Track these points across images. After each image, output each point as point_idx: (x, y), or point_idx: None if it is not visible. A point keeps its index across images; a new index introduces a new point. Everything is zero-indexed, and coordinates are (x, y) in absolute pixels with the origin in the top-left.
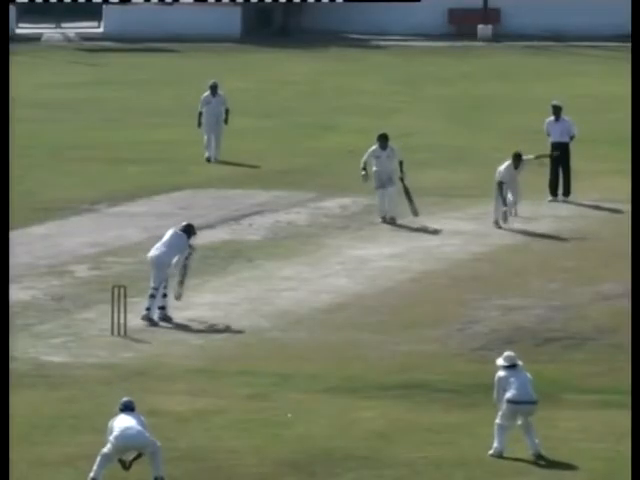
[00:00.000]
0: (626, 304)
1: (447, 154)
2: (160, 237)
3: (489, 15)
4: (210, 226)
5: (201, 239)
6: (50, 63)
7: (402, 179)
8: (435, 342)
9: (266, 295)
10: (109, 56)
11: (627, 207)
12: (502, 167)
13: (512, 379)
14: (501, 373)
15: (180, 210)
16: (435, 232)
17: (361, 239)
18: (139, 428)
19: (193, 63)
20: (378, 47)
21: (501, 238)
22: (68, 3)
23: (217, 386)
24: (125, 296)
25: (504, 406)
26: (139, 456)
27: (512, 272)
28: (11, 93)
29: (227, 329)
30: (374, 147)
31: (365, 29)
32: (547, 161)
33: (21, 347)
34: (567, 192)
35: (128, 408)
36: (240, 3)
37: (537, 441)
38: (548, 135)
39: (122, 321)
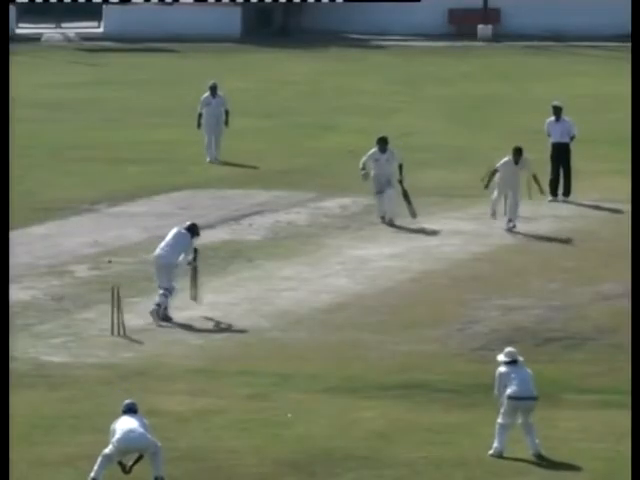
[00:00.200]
0: (626, 304)
1: (447, 154)
2: (160, 237)
3: (489, 15)
4: (210, 226)
5: (201, 239)
6: (50, 63)
7: (401, 182)
8: (435, 342)
9: (266, 295)
10: (109, 56)
11: (627, 207)
12: (502, 161)
13: (513, 375)
14: (502, 369)
15: (180, 210)
16: (435, 232)
17: (361, 239)
18: (141, 430)
19: (193, 63)
20: (378, 47)
21: (501, 238)
22: (68, 3)
23: (217, 386)
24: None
25: (505, 402)
26: (140, 459)
27: (512, 272)
28: (11, 93)
29: (227, 329)
30: (373, 150)
31: (365, 29)
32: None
33: (21, 347)
34: (567, 192)
35: (131, 410)
36: (240, 3)
37: (537, 441)
38: (548, 135)
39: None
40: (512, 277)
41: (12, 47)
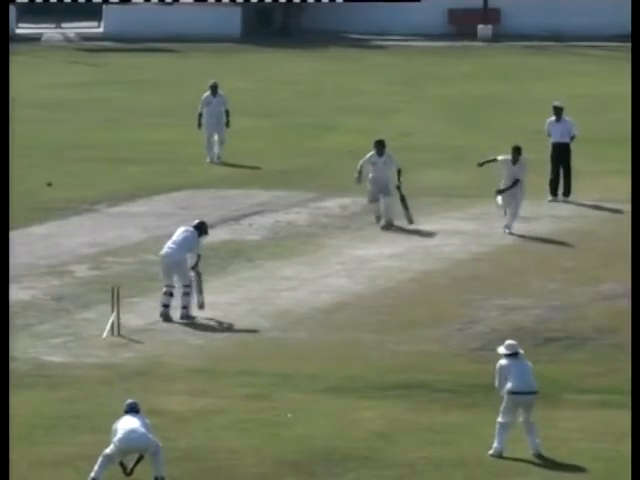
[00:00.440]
0: (626, 304)
1: (447, 154)
2: (160, 237)
3: (489, 15)
4: (210, 226)
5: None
6: (50, 63)
7: (399, 187)
8: (435, 342)
9: (266, 295)
10: (109, 56)
11: (627, 207)
12: (503, 156)
13: (513, 368)
14: (502, 362)
15: (180, 210)
16: (435, 232)
17: (361, 239)
18: (143, 431)
19: (193, 63)
20: (378, 47)
21: (501, 238)
22: (68, 3)
23: (217, 386)
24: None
25: (505, 398)
26: (140, 459)
27: (512, 272)
28: (11, 93)
29: (227, 329)
30: (371, 153)
31: (365, 29)
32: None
33: (21, 347)
34: (567, 192)
35: (133, 410)
36: (240, 3)
37: (538, 441)
38: (549, 135)
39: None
40: (512, 277)
41: (12, 47)
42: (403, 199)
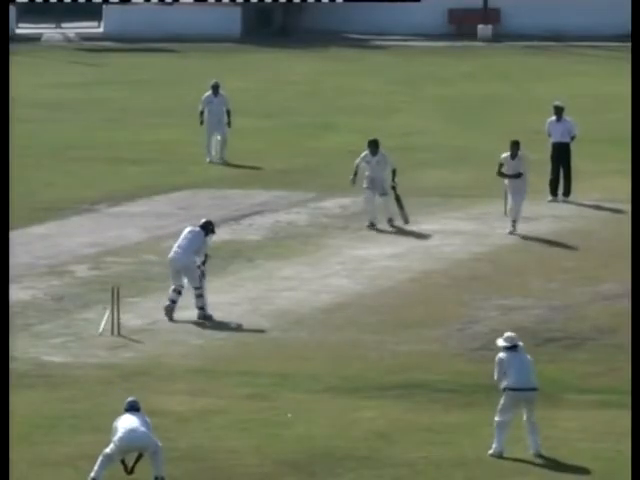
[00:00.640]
0: (626, 304)
1: (447, 154)
2: (160, 237)
3: (489, 15)
4: None
5: None
6: (50, 63)
7: (394, 187)
8: (435, 342)
9: (266, 295)
10: (109, 56)
11: (627, 207)
12: (503, 155)
13: (513, 363)
14: (502, 355)
15: (180, 210)
16: (435, 232)
17: (361, 239)
18: (143, 429)
19: (193, 63)
20: (378, 47)
21: (501, 238)
22: (68, 3)
23: (217, 386)
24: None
25: (503, 395)
26: (140, 458)
27: (512, 272)
28: (11, 93)
29: (227, 329)
30: (365, 152)
31: (365, 29)
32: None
33: (21, 347)
34: (567, 192)
35: (133, 408)
36: (240, 3)
37: (539, 441)
38: (549, 135)
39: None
40: (512, 277)
41: (12, 47)
42: (398, 199)
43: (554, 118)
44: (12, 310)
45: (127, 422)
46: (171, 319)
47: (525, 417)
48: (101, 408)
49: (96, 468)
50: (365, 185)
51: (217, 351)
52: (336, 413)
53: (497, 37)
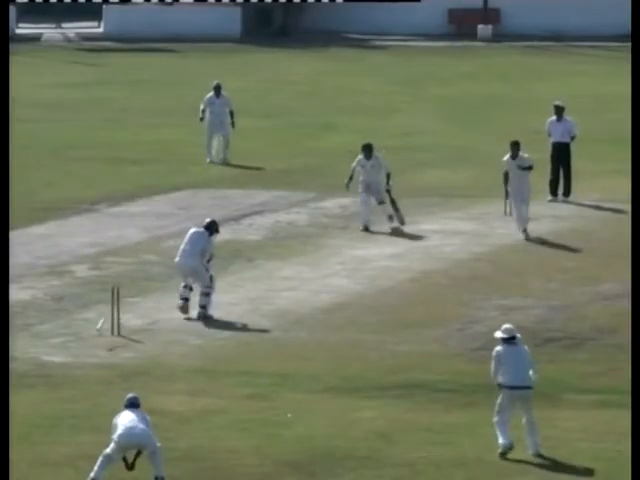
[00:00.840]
0: (626, 304)
1: (447, 154)
2: (160, 237)
3: (489, 15)
4: None
5: None
6: (50, 63)
7: (389, 191)
8: (435, 342)
9: (266, 295)
10: (109, 56)
11: (627, 207)
12: (504, 158)
13: (510, 357)
14: (499, 348)
15: (180, 210)
16: (435, 232)
17: (361, 239)
18: (142, 427)
19: (193, 63)
20: (378, 47)
21: (501, 238)
22: (68, 3)
23: (217, 386)
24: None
25: (500, 394)
26: (139, 454)
27: (512, 272)
28: (11, 93)
29: (227, 329)
30: (359, 157)
31: (365, 29)
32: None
33: (21, 347)
34: (567, 192)
35: (133, 405)
36: (240, 3)
37: (539, 441)
38: (549, 135)
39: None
40: (512, 277)
41: (12, 47)
42: (393, 202)
43: (554, 118)
44: (12, 310)
45: (126, 419)
46: (187, 313)
47: (524, 418)
48: (101, 408)
49: (96, 468)
50: (360, 189)
51: (217, 351)
52: (336, 413)
53: (497, 37)
